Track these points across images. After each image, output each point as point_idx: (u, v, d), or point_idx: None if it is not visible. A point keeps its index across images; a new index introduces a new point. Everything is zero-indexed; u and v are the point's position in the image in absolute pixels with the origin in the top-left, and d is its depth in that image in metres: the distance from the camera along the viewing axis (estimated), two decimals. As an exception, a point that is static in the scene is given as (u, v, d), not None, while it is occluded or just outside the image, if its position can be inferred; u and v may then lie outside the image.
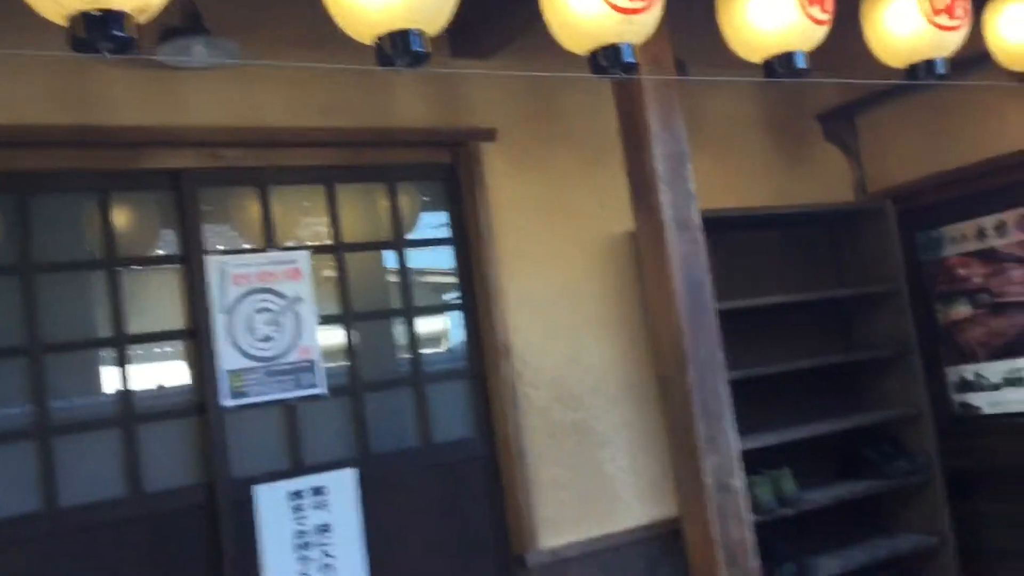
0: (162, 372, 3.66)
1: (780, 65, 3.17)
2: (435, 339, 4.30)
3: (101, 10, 2.14)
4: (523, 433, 4.15)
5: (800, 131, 5.28)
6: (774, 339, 4.82)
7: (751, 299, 4.54)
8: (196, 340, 3.65)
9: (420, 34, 2.50)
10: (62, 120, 3.44)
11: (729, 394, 3.35)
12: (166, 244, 3.72)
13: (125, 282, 3.60)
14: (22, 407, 3.37)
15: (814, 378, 4.80)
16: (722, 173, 4.91)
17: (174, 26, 3.45)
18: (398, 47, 2.47)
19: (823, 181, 5.27)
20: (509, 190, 4.27)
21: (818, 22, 3.12)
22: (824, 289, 4.99)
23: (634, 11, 2.78)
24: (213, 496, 3.59)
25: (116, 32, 2.18)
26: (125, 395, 3.54)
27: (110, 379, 3.55)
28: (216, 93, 3.70)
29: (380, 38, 2.49)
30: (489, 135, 4.25)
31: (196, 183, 3.72)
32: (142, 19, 2.24)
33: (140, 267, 3.67)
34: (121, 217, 3.65)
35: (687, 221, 3.27)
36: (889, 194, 5.12)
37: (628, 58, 2.84)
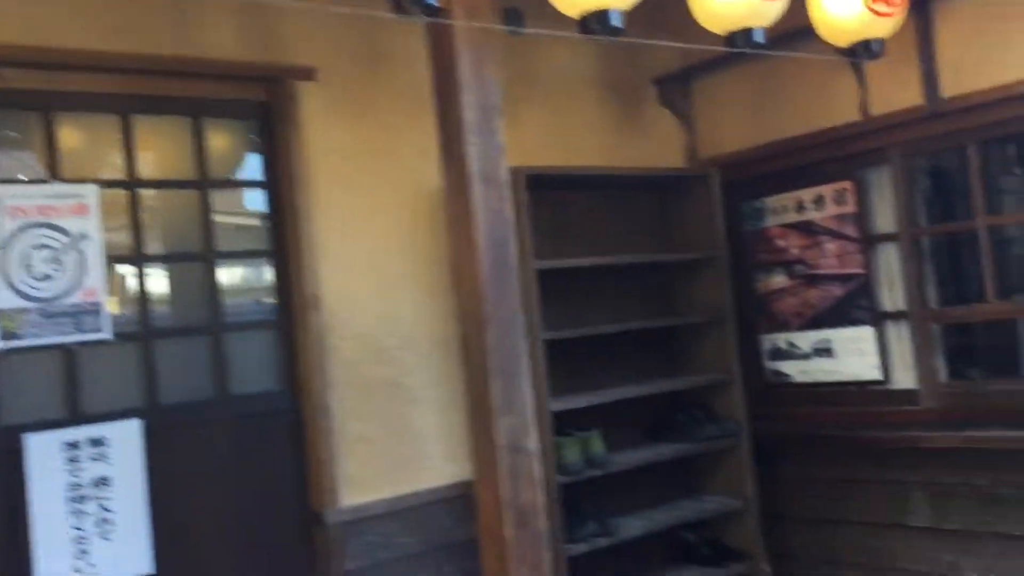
0: (-79, 309, 3.35)
1: (595, 22, 3.09)
2: (240, 287, 4.09)
3: None
4: (330, 388, 4.00)
5: (636, 93, 5.25)
6: (595, 301, 4.80)
7: (572, 259, 4.50)
8: (-39, 276, 3.35)
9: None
10: None
11: (530, 355, 3.29)
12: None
13: None
14: None
15: (632, 342, 4.82)
16: (554, 129, 4.84)
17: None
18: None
19: (655, 145, 5.25)
20: (326, 134, 4.07)
21: (634, -21, 3.05)
22: (647, 253, 4.99)
23: (441, -50, 2.65)
24: (-22, 444, 3.33)
25: None
26: None
27: None
28: (-3, 7, 3.36)
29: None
30: (307, 73, 4.03)
31: (-32, 104, 3.40)
32: None
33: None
34: None
35: (494, 176, 3.15)
36: (716, 162, 5.15)
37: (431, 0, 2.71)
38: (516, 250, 3.21)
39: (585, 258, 4.56)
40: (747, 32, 3.39)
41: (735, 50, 3.45)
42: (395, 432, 4.17)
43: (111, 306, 3.61)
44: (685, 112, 5.37)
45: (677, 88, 5.34)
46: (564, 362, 4.49)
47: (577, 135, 4.94)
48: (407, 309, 4.24)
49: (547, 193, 4.55)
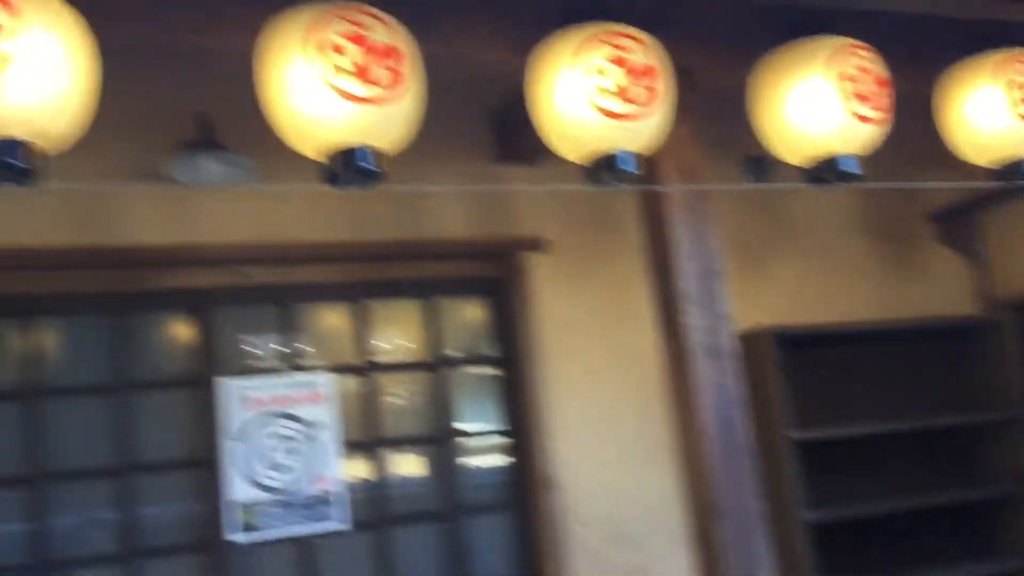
0: (169, 502, 3.47)
1: (825, 170, 2.76)
2: (474, 468, 3.95)
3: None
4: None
5: (908, 233, 4.72)
6: (872, 473, 4.21)
7: (841, 428, 3.99)
8: (204, 469, 3.45)
9: (370, 151, 2.27)
10: (76, 242, 3.36)
11: (786, 545, 2.86)
12: (180, 367, 3.56)
13: (135, 407, 3.46)
14: (18, 538, 3.24)
15: (923, 522, 4.15)
16: (813, 282, 4.42)
17: (188, 141, 3.35)
18: (347, 165, 2.26)
19: (935, 290, 4.66)
20: (557, 305, 3.93)
21: (867, 121, 2.70)
22: (933, 416, 4.34)
23: (628, 117, 2.47)
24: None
25: (12, 160, 2.03)
26: (128, 527, 3.36)
27: (113, 510, 3.37)
28: (236, 209, 3.56)
29: (328, 156, 2.27)
30: (537, 245, 3.95)
31: (214, 302, 3.58)
32: (46, 145, 2.09)
33: (151, 390, 3.51)
34: (137, 339, 3.53)
35: (717, 348, 2.84)
36: (1013, 304, 4.46)
37: (625, 167, 2.52)
38: (746, 429, 2.84)
39: (856, 425, 4.04)
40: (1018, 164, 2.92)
41: (1007, 184, 2.98)
42: (643, 627, 3.79)
43: (346, 494, 3.58)
44: (973, 249, 4.75)
45: (961, 223, 4.75)
46: (836, 551, 3.92)
47: (840, 286, 4.48)
48: (653, 488, 3.90)
49: (807, 353, 4.12)
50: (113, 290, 3.45)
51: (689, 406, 2.81)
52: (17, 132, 2.02)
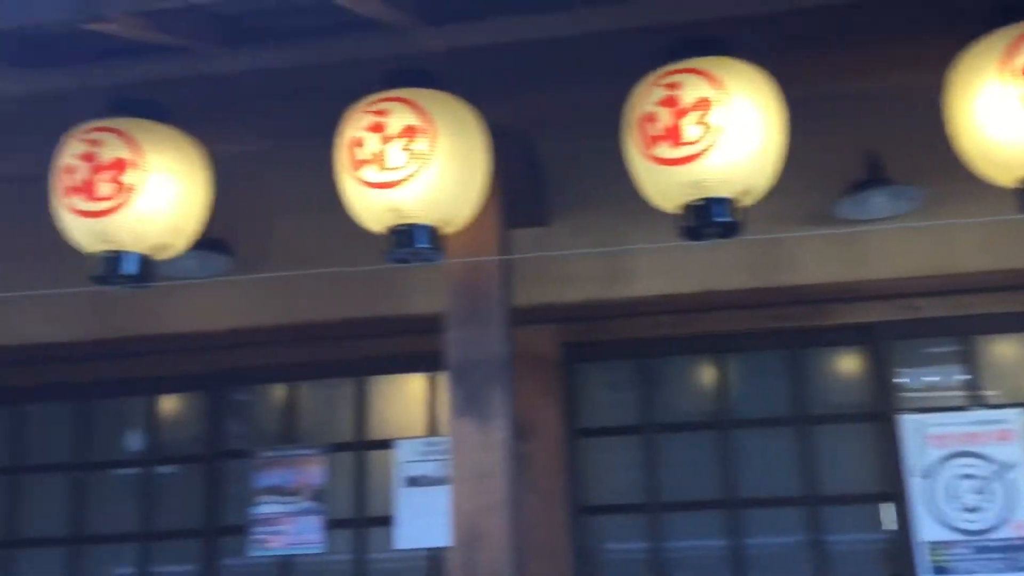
0: (855, 535, 3.49)
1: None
2: None
3: (706, 199, 2.25)
4: None
5: None
6: None
7: None
8: (890, 505, 3.42)
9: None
10: (754, 283, 3.60)
11: None
12: (856, 401, 3.59)
13: (815, 438, 3.56)
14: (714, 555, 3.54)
15: None
16: None
17: (857, 180, 3.41)
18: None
19: None
20: None
21: None
22: None
23: None
24: None
25: (719, 219, 2.26)
26: (818, 555, 3.46)
27: (801, 536, 3.50)
28: (905, 243, 3.50)
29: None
30: None
31: (888, 336, 3.55)
32: (748, 200, 2.29)
33: (830, 423, 3.59)
34: (812, 374, 3.65)
35: None
36: None
37: None
38: None
39: None
40: None
41: None
42: None
43: (1047, 541, 3.29)
44: None
45: None
46: None
47: None
48: None
49: None
50: (790, 326, 3.61)
51: None
52: (724, 191, 2.25)
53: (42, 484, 4.01)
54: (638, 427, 3.72)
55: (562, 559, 3.51)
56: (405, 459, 3.71)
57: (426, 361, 3.57)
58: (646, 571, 3.57)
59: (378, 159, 2.31)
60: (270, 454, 3.80)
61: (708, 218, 2.25)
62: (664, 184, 2.26)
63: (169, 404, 4.04)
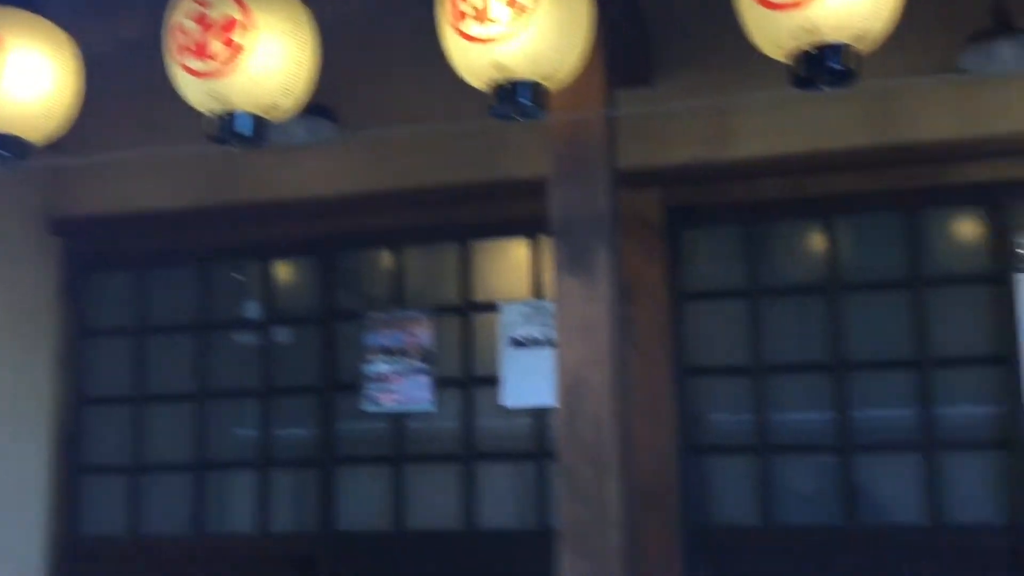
0: (967, 399, 3.44)
1: None
2: None
3: (819, 46, 2.17)
4: None
5: None
6: None
7: None
8: (1003, 366, 3.35)
9: None
10: (871, 141, 3.48)
11: None
12: (972, 263, 3.48)
13: (930, 301, 3.49)
14: (821, 422, 3.54)
15: None
16: None
17: (984, 29, 3.22)
18: None
19: None
20: None
21: None
22: None
23: None
24: (1020, 539, 3.26)
25: (833, 66, 2.18)
26: (926, 419, 3.43)
27: (911, 401, 3.47)
28: (1032, 96, 3.33)
29: None
30: None
31: (1009, 195, 3.42)
32: (863, 47, 2.20)
33: (945, 285, 3.50)
34: (927, 235, 3.55)
35: None
36: None
37: None
38: None
39: None
40: None
41: None
42: None
43: None
44: None
45: None
46: None
47: None
48: None
49: None
50: (906, 186, 3.50)
51: None
52: (838, 36, 2.16)
53: (165, 346, 4.23)
54: (744, 292, 3.70)
55: (665, 419, 3.57)
56: (510, 321, 3.79)
57: (530, 225, 3.61)
58: (749, 434, 3.60)
59: (480, 13, 2.29)
60: (380, 316, 3.93)
61: (821, 65, 2.16)
62: (775, 29, 2.17)
63: (282, 269, 4.19)
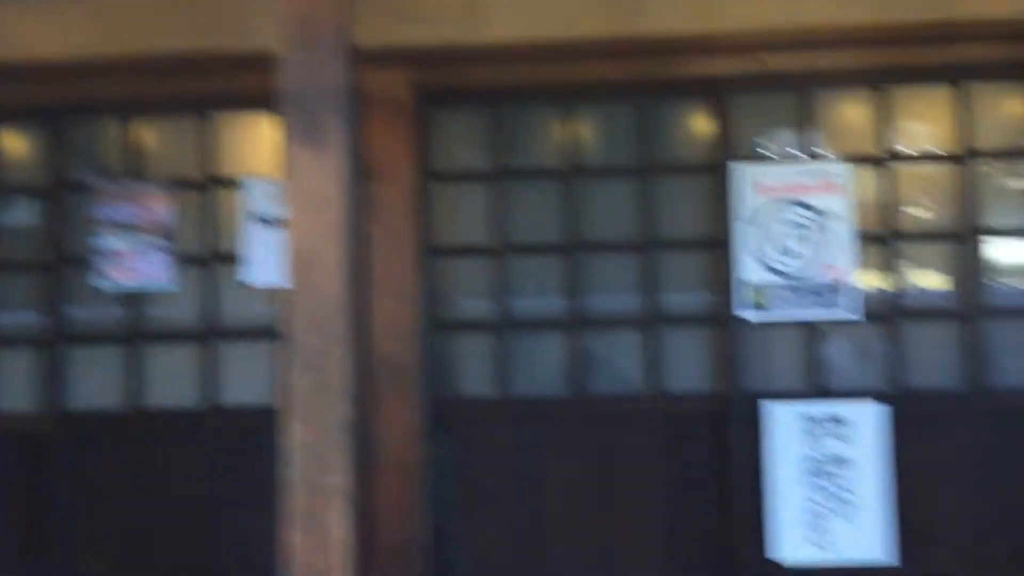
0: (685, 278, 3.71)
1: None
2: (1000, 270, 3.67)
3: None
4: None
5: None
6: None
7: None
8: (718, 249, 3.63)
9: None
10: (605, 31, 3.58)
11: None
12: (696, 153, 3.72)
13: (657, 188, 3.70)
14: (556, 301, 3.72)
15: None
16: None
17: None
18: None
19: None
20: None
21: None
22: None
23: None
24: (726, 406, 3.59)
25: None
26: (648, 297, 3.68)
27: (635, 280, 3.70)
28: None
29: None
30: (1095, 23, 3.42)
31: (733, 90, 3.65)
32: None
33: (671, 174, 3.73)
34: (657, 126, 3.74)
35: None
36: None
37: None
38: None
39: None
40: None
41: None
42: None
43: (859, 285, 3.56)
44: None
45: None
46: None
47: None
48: None
49: None
50: (640, 77, 3.66)
51: None
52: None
53: None
54: (490, 174, 3.79)
55: (409, 297, 3.64)
56: (254, 198, 3.71)
57: (272, 100, 3.50)
58: (490, 312, 3.74)
59: None
60: (112, 187, 3.74)
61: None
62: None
63: (6, 138, 3.89)
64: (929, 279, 3.69)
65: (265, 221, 3.68)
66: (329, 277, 2.46)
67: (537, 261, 3.77)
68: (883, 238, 3.63)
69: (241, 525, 3.60)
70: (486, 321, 3.75)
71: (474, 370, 3.76)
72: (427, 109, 3.74)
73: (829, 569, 3.50)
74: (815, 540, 3.52)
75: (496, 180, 3.77)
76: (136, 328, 3.77)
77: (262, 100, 3.62)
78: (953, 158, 3.62)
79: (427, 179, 3.74)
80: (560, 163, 3.75)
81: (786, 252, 3.59)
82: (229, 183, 3.76)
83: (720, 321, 3.63)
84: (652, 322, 3.68)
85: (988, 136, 3.62)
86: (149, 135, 3.83)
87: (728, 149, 3.65)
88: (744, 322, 3.58)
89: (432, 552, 3.61)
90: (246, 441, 3.60)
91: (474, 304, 3.79)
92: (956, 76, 3.60)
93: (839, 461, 3.52)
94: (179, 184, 3.77)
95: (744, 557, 3.55)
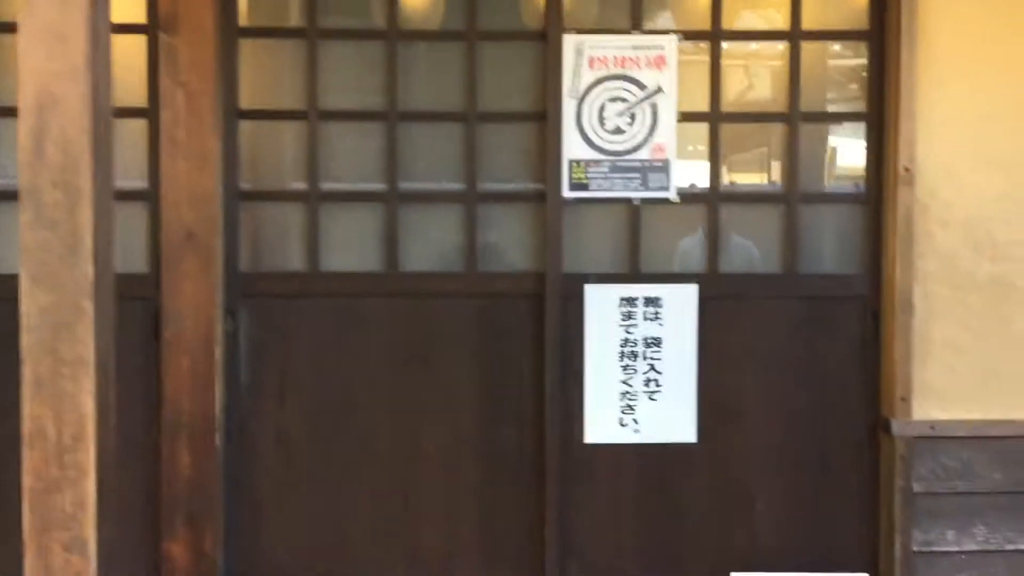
0: (507, 152, 3.55)
1: None
2: (824, 154, 3.64)
3: None
4: (917, 280, 3.41)
5: None
6: None
7: None
8: (541, 123, 3.47)
9: None
10: None
11: None
12: (527, 21, 3.51)
13: (481, 57, 3.50)
14: (371, 171, 3.52)
15: None
16: None
17: None
18: None
19: None
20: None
21: None
22: None
23: None
24: (543, 286, 3.48)
25: None
26: (468, 168, 3.51)
27: (457, 148, 3.51)
28: None
29: None
30: None
31: (563, -48, 3.45)
32: None
33: (497, 42, 3.52)
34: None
35: None
36: None
37: None
38: None
39: None
40: None
41: None
42: (994, 345, 3.43)
43: (678, 165, 3.47)
44: None
45: None
46: None
47: None
48: (1027, 195, 3.41)
49: None
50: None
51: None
52: None
53: None
54: (301, 31, 3.51)
55: (210, 162, 3.37)
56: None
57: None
58: (299, 180, 3.52)
59: None
60: None
61: None
62: None
63: None
64: (751, 162, 3.63)
65: None
66: (71, 124, 2.21)
67: (352, 128, 3.54)
68: (709, 117, 3.53)
69: None
70: (295, 192, 3.53)
71: (282, 244, 3.56)
72: (233, -43, 3.42)
73: (638, 447, 3.50)
74: (626, 421, 3.50)
75: (308, 37, 3.50)
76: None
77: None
78: (784, 35, 3.53)
79: (233, 35, 3.45)
80: (380, 24, 3.50)
81: (610, 129, 3.45)
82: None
83: (541, 198, 3.50)
84: (471, 197, 3.52)
85: (819, 17, 3.53)
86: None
87: (558, 17, 3.45)
88: (565, 200, 3.46)
89: (229, 431, 3.45)
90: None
91: (283, 173, 3.56)
92: (791, -49, 3.48)
93: (652, 343, 3.48)
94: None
95: (557, 438, 3.50)
